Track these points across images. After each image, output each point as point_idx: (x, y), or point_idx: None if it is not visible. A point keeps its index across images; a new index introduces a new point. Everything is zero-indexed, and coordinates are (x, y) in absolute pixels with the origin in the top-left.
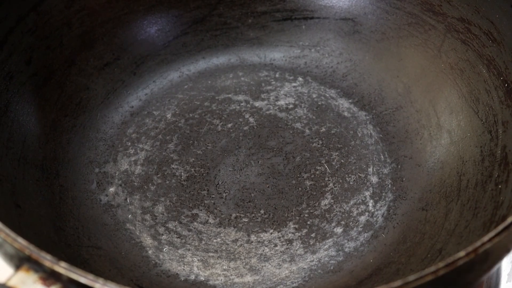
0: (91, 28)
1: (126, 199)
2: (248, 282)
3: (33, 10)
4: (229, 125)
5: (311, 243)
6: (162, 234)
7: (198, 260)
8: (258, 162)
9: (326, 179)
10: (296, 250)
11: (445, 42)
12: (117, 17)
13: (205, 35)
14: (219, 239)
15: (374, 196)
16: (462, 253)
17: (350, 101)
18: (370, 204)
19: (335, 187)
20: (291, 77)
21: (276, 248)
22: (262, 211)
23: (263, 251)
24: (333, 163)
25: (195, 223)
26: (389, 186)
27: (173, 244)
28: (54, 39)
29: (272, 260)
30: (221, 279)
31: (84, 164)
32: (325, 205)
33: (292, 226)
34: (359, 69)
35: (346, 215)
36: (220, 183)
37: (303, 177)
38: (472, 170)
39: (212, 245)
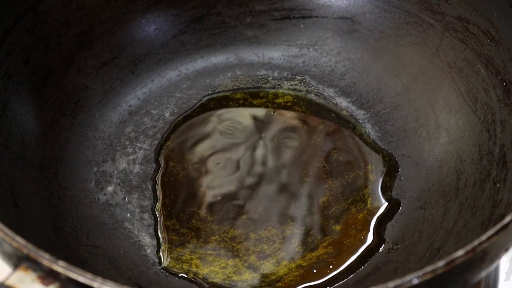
0: (90, 27)
1: (124, 198)
2: (247, 279)
3: (32, 10)
4: (227, 124)
5: (309, 241)
6: (161, 233)
7: (196, 258)
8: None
9: (325, 177)
10: (295, 248)
11: (443, 41)
12: (116, 16)
13: (204, 34)
14: (217, 237)
15: (373, 195)
16: (460, 252)
17: (348, 100)
18: (369, 203)
19: (333, 185)
20: (289, 76)
21: (275, 245)
22: (260, 208)
23: (262, 248)
24: (332, 162)
25: (194, 221)
26: (388, 185)
27: (172, 243)
28: (52, 38)
29: (270, 258)
30: (220, 277)
31: (82, 163)
32: (324, 203)
33: (290, 223)
34: (357, 68)
35: (345, 213)
36: (218, 180)
37: (301, 175)
38: (471, 169)
39: (210, 243)
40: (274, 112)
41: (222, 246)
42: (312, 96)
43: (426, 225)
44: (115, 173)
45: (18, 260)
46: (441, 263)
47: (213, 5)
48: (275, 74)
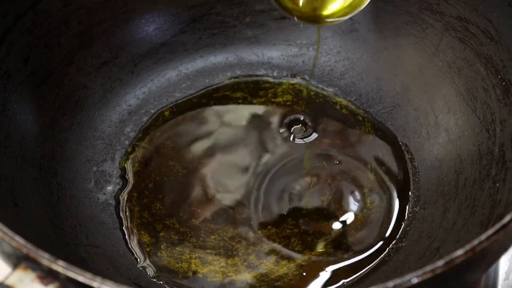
0: (89, 26)
1: (124, 198)
2: (246, 279)
3: (31, 9)
4: (227, 123)
5: (309, 240)
6: (160, 232)
7: (196, 257)
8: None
9: (324, 176)
10: (294, 247)
11: (442, 40)
12: (115, 15)
13: (203, 33)
14: (217, 236)
15: (372, 194)
16: (460, 252)
17: (348, 99)
18: (368, 202)
19: (333, 184)
20: (289, 76)
21: (274, 244)
22: (260, 207)
23: (261, 247)
24: (331, 161)
25: (193, 220)
26: (387, 184)
27: (171, 242)
28: (52, 38)
29: (270, 257)
30: (219, 276)
31: (82, 163)
32: (323, 202)
33: (290, 222)
34: (357, 67)
35: (344, 212)
36: (217, 179)
37: (301, 174)
38: (470, 168)
39: (210, 242)
40: (273, 116)
41: (222, 245)
42: (311, 96)
43: (425, 225)
44: (115, 172)
45: (18, 260)
46: (440, 263)
47: (213, 5)
48: (275, 74)
